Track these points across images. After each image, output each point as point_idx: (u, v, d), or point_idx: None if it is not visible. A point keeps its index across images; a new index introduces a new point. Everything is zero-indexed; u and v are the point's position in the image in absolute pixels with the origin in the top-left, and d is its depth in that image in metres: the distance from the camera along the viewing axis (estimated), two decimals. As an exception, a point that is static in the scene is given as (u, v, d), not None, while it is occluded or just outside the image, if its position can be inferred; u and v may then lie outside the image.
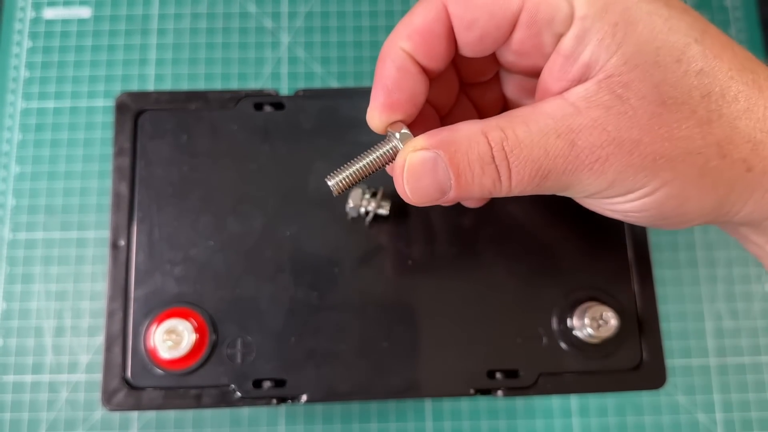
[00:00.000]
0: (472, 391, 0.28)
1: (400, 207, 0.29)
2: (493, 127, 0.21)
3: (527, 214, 0.30)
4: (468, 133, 0.21)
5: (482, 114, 0.27)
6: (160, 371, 0.28)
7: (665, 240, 0.42)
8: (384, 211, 0.29)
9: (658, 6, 0.20)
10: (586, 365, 0.28)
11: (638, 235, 0.30)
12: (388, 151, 0.23)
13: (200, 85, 0.44)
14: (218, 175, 0.30)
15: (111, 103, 0.43)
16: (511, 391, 0.28)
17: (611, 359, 0.28)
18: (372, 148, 0.23)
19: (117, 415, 0.39)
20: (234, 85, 0.44)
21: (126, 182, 0.29)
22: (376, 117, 0.22)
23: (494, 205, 0.29)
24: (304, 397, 0.27)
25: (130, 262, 0.29)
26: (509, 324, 0.28)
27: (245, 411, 0.39)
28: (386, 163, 0.23)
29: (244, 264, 0.29)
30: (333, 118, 0.30)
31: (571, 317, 0.28)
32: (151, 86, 0.44)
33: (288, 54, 0.45)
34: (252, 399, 0.27)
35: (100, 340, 0.40)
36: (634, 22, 0.19)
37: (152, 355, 0.28)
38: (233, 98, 0.30)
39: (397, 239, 0.29)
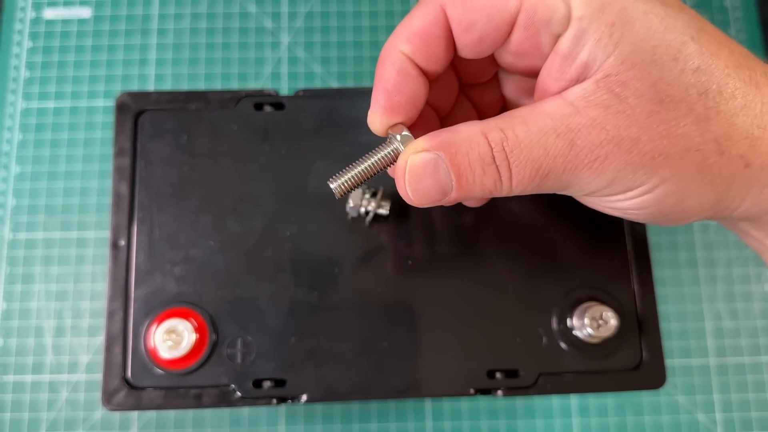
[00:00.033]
0: (472, 390, 0.28)
1: (400, 207, 0.29)
2: (493, 127, 0.21)
3: (527, 213, 0.30)
4: (468, 134, 0.21)
5: (482, 114, 0.27)
6: (160, 371, 0.28)
7: (665, 240, 0.42)
8: (384, 210, 0.29)
9: (654, 5, 0.20)
10: (586, 365, 0.28)
11: (638, 234, 0.30)
12: (389, 153, 0.23)
13: (200, 86, 0.44)
14: (218, 175, 0.30)
15: (111, 103, 0.43)
16: (511, 391, 0.28)
17: (611, 359, 0.28)
18: (373, 151, 0.23)
19: (117, 415, 0.39)
20: (234, 85, 0.44)
21: (126, 182, 0.29)
22: (377, 120, 0.23)
23: (495, 204, 0.29)
24: (304, 397, 0.27)
25: (131, 262, 0.29)
26: (509, 324, 0.28)
27: (245, 411, 0.39)
28: (388, 165, 0.23)
29: (244, 264, 0.29)
30: (333, 118, 0.30)
31: (571, 317, 0.28)
32: (151, 86, 0.44)
33: (288, 54, 0.45)
34: (252, 399, 0.27)
35: (100, 340, 0.40)
36: (630, 22, 0.19)
37: (152, 355, 0.28)
38: (233, 98, 0.30)
39: (397, 239, 0.29)
